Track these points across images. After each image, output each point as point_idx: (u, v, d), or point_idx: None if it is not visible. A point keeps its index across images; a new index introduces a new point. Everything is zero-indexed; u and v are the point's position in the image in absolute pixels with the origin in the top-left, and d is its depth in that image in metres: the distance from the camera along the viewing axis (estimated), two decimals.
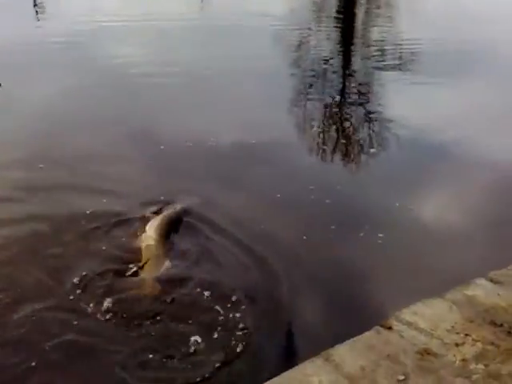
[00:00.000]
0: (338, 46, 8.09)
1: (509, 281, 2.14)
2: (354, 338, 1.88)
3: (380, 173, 4.10)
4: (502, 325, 1.89)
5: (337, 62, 7.23)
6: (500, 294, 2.05)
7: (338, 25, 9.59)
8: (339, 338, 1.91)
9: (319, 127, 5.04)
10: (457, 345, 1.81)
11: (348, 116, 5.39)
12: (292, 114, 5.31)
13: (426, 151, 4.49)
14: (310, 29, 8.98)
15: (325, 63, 7.07)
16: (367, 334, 1.89)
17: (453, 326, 1.87)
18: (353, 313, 2.55)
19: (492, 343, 1.81)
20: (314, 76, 6.59)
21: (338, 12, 10.67)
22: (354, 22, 10.17)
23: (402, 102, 5.67)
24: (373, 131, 5.00)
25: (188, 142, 4.32)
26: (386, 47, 8.04)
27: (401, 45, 8.05)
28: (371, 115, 5.32)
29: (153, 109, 5.15)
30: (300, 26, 8.93)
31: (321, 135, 4.89)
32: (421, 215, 3.46)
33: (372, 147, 4.58)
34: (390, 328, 1.89)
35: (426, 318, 1.91)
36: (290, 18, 9.48)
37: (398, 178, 4.03)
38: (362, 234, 3.20)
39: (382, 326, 1.91)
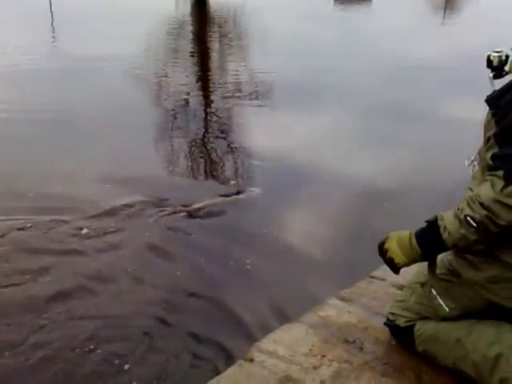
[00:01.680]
0: (197, 84, 8.25)
1: (357, 298, 2.28)
2: (218, 376, 1.90)
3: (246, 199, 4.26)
4: (354, 341, 2.01)
5: (196, 100, 7.36)
6: (350, 312, 2.18)
7: (195, 65, 9.81)
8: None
9: (186, 160, 5.17)
10: (315, 367, 1.89)
11: (211, 149, 5.51)
12: (158, 150, 5.39)
13: (287, 177, 4.74)
14: (166, 72, 9.05)
15: (185, 102, 7.17)
16: (230, 369, 1.92)
17: (310, 349, 1.96)
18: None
19: (346, 361, 1.91)
20: (175, 115, 6.67)
21: (192, 53, 10.89)
22: (209, 59, 10.43)
23: (262, 132, 5.94)
24: (235, 162, 5.18)
25: None
26: (241, 80, 8.35)
27: (256, 77, 8.42)
28: (233, 146, 5.51)
29: None
30: (156, 70, 8.99)
31: (188, 168, 5.03)
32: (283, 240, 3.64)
33: (234, 179, 4.74)
34: (251, 360, 1.93)
35: (286, 345, 1.99)
36: (146, 61, 9.49)
37: (259, 204, 4.20)
38: (231, 263, 3.33)
39: (244, 359, 1.95)
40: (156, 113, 6.74)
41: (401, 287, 2.37)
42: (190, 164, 5.16)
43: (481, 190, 1.62)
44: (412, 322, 1.94)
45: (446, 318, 1.86)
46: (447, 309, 1.84)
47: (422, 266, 1.92)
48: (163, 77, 8.58)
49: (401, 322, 1.98)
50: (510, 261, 1.69)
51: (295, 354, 1.94)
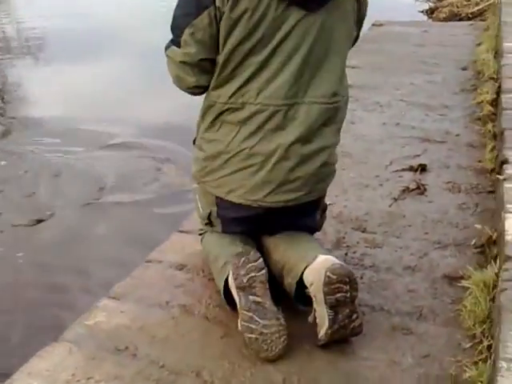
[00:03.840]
0: None
1: (131, 291, 2.01)
2: None
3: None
4: (126, 348, 1.75)
5: None
6: (123, 311, 1.91)
7: None
8: None
9: None
10: None
11: None
12: None
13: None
14: None
15: None
16: None
17: (73, 374, 1.65)
18: None
19: (116, 377, 1.65)
20: None
21: None
22: None
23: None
24: None
25: None
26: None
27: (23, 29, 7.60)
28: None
29: None
30: None
31: None
32: None
33: None
34: None
35: (43, 376, 1.65)
36: None
37: None
38: None
39: None
40: None
41: (180, 266, 2.16)
42: None
43: None
44: (202, 232, 2.09)
45: (212, 223, 1.97)
46: (201, 209, 1.99)
47: None
48: None
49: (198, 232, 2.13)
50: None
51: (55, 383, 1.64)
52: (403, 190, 2.68)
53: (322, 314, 1.69)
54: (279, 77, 1.72)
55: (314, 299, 1.70)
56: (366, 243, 2.28)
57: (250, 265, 1.71)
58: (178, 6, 1.75)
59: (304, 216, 1.94)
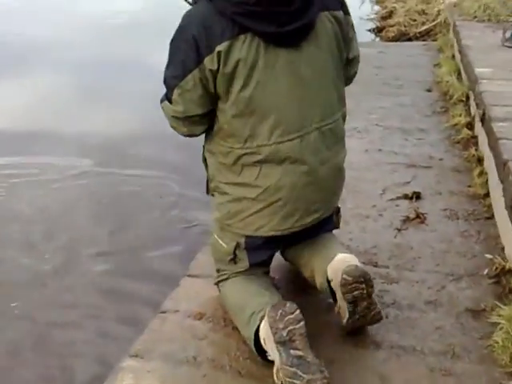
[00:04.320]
0: None
1: (153, 348, 1.89)
2: None
3: None
4: None
5: None
6: (150, 371, 1.78)
7: None
8: None
9: None
10: None
11: None
12: None
13: None
14: None
15: None
16: None
17: None
18: None
19: None
20: None
21: None
22: None
23: None
24: None
25: None
26: None
27: None
28: None
29: None
30: None
31: None
32: None
33: None
34: None
35: None
36: None
37: None
38: None
39: None
40: None
41: (199, 315, 2.06)
42: None
43: None
44: (220, 278, 2.04)
45: (237, 257, 1.95)
46: (225, 245, 1.96)
47: None
48: None
49: (215, 278, 2.07)
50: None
51: None
52: (404, 220, 2.68)
53: (343, 307, 1.85)
54: (285, 113, 1.80)
55: (336, 294, 1.85)
56: (382, 279, 2.26)
57: (288, 317, 1.67)
58: (167, 65, 1.84)
59: (324, 224, 2.05)
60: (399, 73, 5.14)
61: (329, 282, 1.88)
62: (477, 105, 3.39)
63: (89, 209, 3.67)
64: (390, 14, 8.15)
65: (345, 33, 1.92)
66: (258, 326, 1.75)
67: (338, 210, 2.15)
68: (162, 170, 4.12)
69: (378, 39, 7.71)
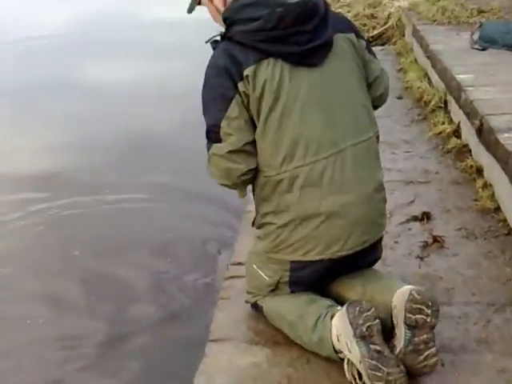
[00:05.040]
0: None
1: None
2: None
3: None
4: None
5: None
6: None
7: None
8: None
9: None
10: None
11: None
12: None
13: None
14: None
15: None
16: None
17: None
18: None
19: None
20: None
21: None
22: None
23: None
24: None
25: None
26: None
27: None
28: None
29: None
30: None
31: None
32: None
33: None
34: None
35: None
36: None
37: None
38: None
39: None
40: None
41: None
42: None
43: None
44: (257, 298, 2.04)
45: (278, 287, 1.96)
46: (267, 277, 1.96)
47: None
48: None
49: (249, 298, 2.09)
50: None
51: None
52: (424, 246, 2.52)
53: (399, 335, 1.76)
54: (315, 131, 1.81)
55: (395, 323, 1.78)
56: None
57: (366, 314, 1.73)
58: (205, 110, 1.86)
59: (372, 251, 2.01)
60: None
61: (391, 310, 1.82)
62: (467, 114, 3.28)
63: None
64: None
65: (360, 56, 1.94)
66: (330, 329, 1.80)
67: (381, 238, 2.07)
68: None
69: None
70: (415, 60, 5.07)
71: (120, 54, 7.53)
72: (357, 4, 7.77)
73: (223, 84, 1.78)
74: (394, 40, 6.21)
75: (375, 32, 6.92)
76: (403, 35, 6.17)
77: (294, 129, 1.79)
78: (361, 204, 1.86)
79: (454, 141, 3.46)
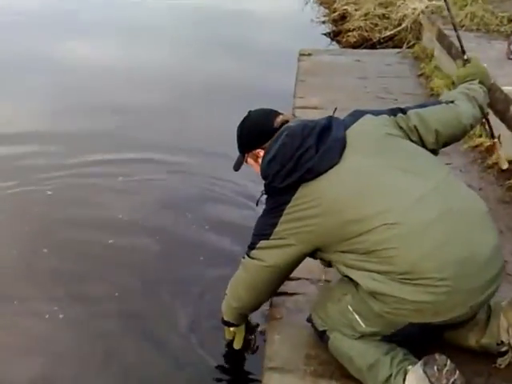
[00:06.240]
0: None
1: None
2: None
3: None
4: None
5: None
6: None
7: None
8: None
9: None
10: None
11: None
12: None
13: None
14: None
15: None
16: None
17: None
18: None
19: None
20: None
21: None
22: None
23: None
24: None
25: None
26: None
27: None
28: None
29: None
30: None
31: None
32: None
33: None
34: None
35: None
36: None
37: None
38: None
39: None
40: None
41: None
42: None
43: None
44: (327, 328, 1.87)
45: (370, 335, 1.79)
46: (364, 325, 1.78)
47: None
48: None
49: (318, 325, 1.92)
50: None
51: None
52: None
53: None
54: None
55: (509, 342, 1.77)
56: None
57: (445, 370, 1.62)
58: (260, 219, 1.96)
59: None
60: (385, 84, 4.87)
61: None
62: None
63: None
64: (343, 18, 7.92)
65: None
66: None
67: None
68: None
69: (332, 44, 7.46)
70: (438, 66, 4.91)
71: (96, 34, 7.36)
72: (366, 2, 7.58)
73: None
74: (409, 43, 6.05)
75: (387, 33, 6.76)
76: (417, 38, 6.02)
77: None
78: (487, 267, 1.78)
79: (495, 156, 3.31)
